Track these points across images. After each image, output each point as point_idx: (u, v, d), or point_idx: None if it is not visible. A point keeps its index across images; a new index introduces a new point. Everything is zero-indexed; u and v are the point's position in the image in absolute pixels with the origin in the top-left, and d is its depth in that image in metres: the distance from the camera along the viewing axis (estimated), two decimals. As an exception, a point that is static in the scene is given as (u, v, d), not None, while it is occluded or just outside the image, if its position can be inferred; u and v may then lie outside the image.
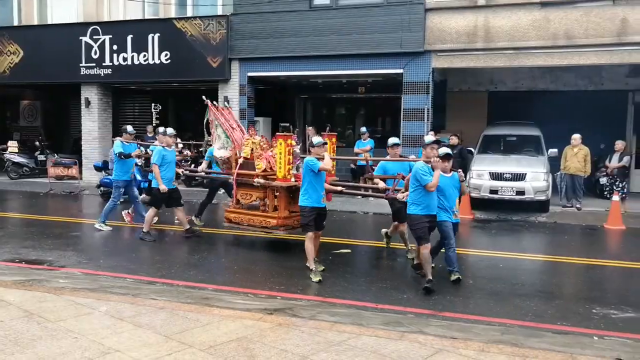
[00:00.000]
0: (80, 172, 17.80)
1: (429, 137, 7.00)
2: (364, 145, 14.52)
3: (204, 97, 10.42)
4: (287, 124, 9.45)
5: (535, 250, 9.77)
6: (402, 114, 14.54)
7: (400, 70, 14.30)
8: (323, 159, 7.40)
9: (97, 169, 16.10)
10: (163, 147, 9.89)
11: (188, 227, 10.03)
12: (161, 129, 10.74)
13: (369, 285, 7.07)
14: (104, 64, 17.14)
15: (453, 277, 6.97)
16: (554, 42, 12.91)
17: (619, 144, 13.15)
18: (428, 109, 14.16)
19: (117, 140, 10.94)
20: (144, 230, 9.71)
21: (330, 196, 8.31)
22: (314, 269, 7.15)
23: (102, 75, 17.24)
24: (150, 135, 17.11)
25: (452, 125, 16.07)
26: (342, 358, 4.32)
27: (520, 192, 12.19)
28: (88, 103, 17.69)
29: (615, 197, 11.77)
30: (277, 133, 8.78)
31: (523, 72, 15.88)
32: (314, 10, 14.94)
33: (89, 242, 9.84)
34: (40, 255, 8.47)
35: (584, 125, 14.08)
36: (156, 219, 10.33)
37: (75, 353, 4.39)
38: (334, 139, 9.67)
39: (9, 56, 18.41)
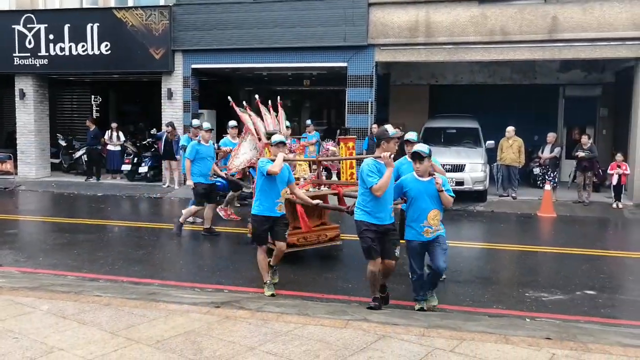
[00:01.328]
0: (16, 166, 17.17)
1: (391, 129, 5.54)
2: (310, 138, 14.63)
3: (229, 97, 9.12)
4: (347, 127, 9.20)
5: (473, 239, 10.18)
6: (346, 107, 14.75)
7: (344, 64, 14.49)
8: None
9: None
10: (198, 141, 9.48)
11: (209, 226, 9.60)
12: (195, 122, 10.26)
13: (315, 277, 7.22)
14: (39, 54, 16.50)
15: (417, 307, 5.87)
16: (490, 37, 13.39)
17: (551, 136, 13.81)
18: (372, 102, 14.42)
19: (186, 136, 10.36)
20: (180, 220, 9.62)
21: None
22: (268, 281, 6.37)
23: (38, 65, 16.60)
24: (91, 129, 16.69)
25: (394, 118, 16.43)
26: (289, 347, 4.44)
27: (460, 183, 12.63)
28: (23, 95, 17.00)
29: (547, 187, 12.42)
30: (339, 136, 8.58)
31: (463, 67, 16.38)
32: (258, 3, 14.91)
33: (26, 240, 9.56)
34: (-25, 254, 8.18)
35: (519, 118, 14.75)
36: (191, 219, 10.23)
37: (16, 353, 4.30)
38: (350, 144, 8.98)
39: None
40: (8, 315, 5.17)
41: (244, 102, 8.77)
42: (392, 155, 5.47)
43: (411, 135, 6.76)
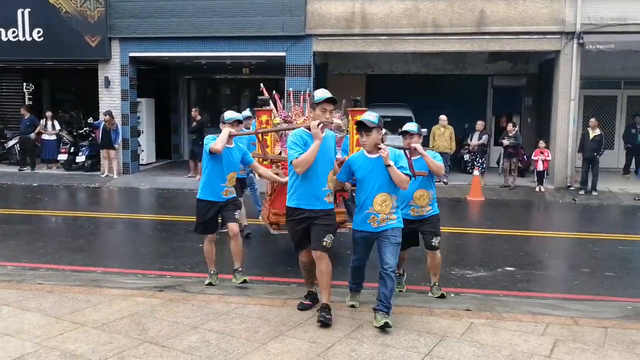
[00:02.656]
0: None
1: (320, 93, 4.89)
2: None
3: (261, 84, 8.07)
4: (359, 97, 7.37)
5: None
6: (284, 96, 14.99)
7: (282, 53, 14.70)
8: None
9: None
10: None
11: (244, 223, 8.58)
12: (245, 113, 8.83)
13: (256, 261, 7.51)
14: (-35, 40, 15.84)
15: (348, 302, 5.32)
16: (423, 29, 13.94)
17: (479, 124, 14.58)
18: (310, 91, 14.71)
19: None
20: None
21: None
22: (212, 272, 6.06)
23: (-36, 52, 15.96)
24: (26, 117, 16.24)
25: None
26: (230, 325, 4.73)
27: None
28: (-51, 82, 16.33)
29: (476, 172, 13.19)
30: (349, 108, 7.19)
31: (398, 57, 16.91)
32: (196, -9, 14.87)
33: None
34: None
35: (451, 107, 15.45)
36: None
37: None
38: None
39: None
40: (-52, 306, 5.20)
41: (274, 91, 8.11)
42: (321, 125, 4.74)
43: (411, 127, 5.67)
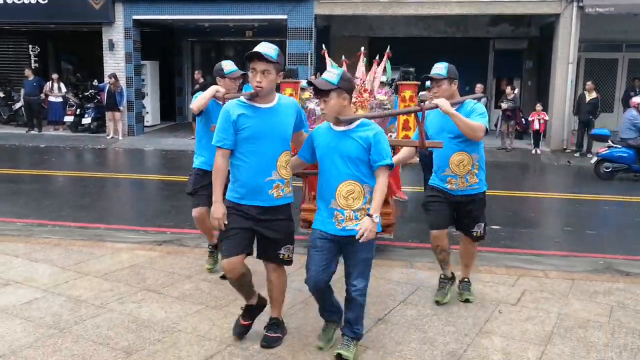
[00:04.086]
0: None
1: (229, 66, 4.85)
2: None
3: (362, 48, 6.72)
4: (412, 69, 5.78)
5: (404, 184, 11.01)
6: (286, 59, 15.12)
7: (284, 16, 14.78)
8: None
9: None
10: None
11: None
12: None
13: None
14: (-30, 2, 16.02)
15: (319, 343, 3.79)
16: (423, -8, 13.97)
17: (478, 87, 14.67)
18: (311, 53, 14.85)
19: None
20: None
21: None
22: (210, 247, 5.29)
23: (-30, 14, 16.15)
24: (30, 79, 16.50)
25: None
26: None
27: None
28: (-44, 44, 16.58)
29: (474, 135, 13.36)
30: (399, 82, 5.94)
31: (399, 20, 16.91)
32: (199, -47, 14.89)
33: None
34: None
35: (452, 70, 15.50)
36: None
37: None
38: (408, 93, 5.85)
39: None
40: (-39, 256, 5.59)
41: (343, 57, 6.80)
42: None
43: (438, 68, 4.33)
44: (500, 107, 14.29)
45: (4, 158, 13.15)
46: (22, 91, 16.80)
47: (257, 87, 3.47)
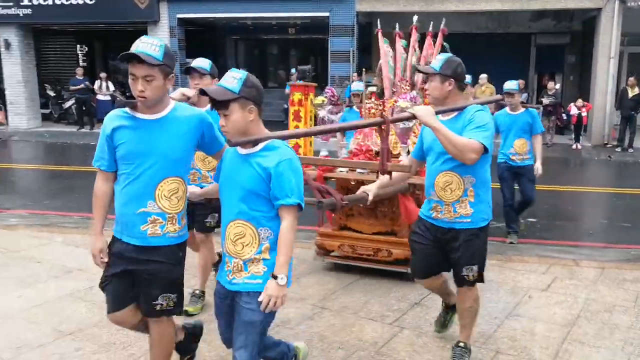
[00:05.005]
0: (6, 117, 17.57)
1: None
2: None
3: (415, 18, 6.24)
4: (307, 66, 4.96)
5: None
6: (329, 56, 15.36)
7: (326, 14, 14.96)
8: None
9: None
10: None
11: None
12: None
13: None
14: (22, 3, 16.57)
15: None
16: (464, -12, 13.97)
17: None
18: (353, 50, 15.03)
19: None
20: None
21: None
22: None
23: (21, 15, 16.71)
24: (80, 78, 17.12)
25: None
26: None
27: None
28: (8, 45, 17.10)
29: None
30: (290, 83, 5.54)
31: (439, 16, 16.86)
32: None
33: (29, 187, 10.21)
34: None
35: (493, 65, 15.47)
36: None
37: (42, 274, 5.13)
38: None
39: None
40: (29, 246, 5.94)
41: (397, 27, 6.18)
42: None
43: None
44: (541, 103, 14.21)
45: (56, 156, 13.68)
46: (72, 88, 17.23)
47: (139, 97, 2.74)
